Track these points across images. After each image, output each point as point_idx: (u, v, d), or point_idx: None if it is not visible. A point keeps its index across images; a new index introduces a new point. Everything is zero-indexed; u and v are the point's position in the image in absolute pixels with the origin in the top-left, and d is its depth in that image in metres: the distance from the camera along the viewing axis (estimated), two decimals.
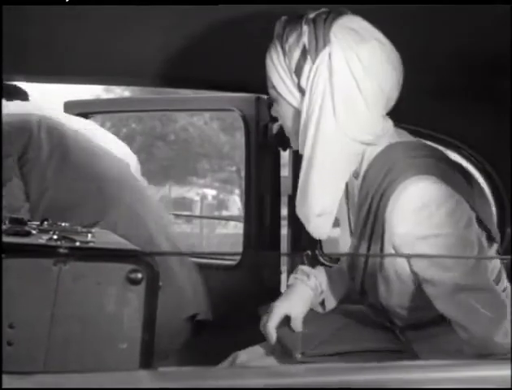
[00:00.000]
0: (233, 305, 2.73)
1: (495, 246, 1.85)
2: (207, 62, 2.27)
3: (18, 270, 1.19)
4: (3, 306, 1.19)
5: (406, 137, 1.81)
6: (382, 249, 1.73)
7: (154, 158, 17.50)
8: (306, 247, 2.68)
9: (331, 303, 2.06)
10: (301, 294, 1.99)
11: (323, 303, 2.06)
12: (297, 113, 1.69)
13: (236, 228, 13.00)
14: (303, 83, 1.64)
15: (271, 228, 2.74)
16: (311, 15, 1.64)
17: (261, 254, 2.73)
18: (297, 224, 2.64)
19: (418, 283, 1.73)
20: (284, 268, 2.79)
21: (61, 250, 1.20)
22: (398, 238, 1.67)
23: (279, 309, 1.94)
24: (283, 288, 2.77)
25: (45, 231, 1.36)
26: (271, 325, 1.92)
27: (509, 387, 0.98)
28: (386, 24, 1.65)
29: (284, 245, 2.79)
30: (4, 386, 0.96)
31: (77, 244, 1.26)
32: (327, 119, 1.63)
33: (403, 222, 1.65)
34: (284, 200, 2.76)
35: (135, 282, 1.23)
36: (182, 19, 1.93)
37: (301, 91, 1.66)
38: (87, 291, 1.22)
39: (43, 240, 1.28)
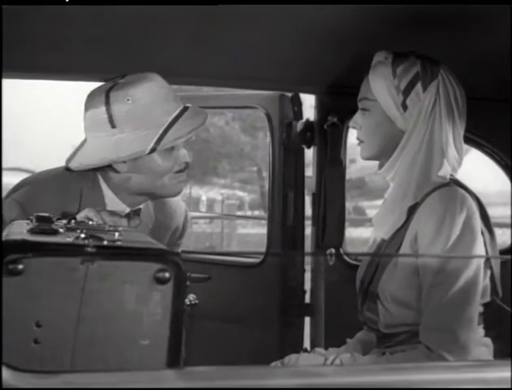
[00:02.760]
0: (255, 304, 2.72)
1: None
2: (230, 60, 2.26)
3: (45, 270, 1.19)
4: (30, 305, 1.19)
5: None
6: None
7: None
8: (330, 246, 2.66)
9: None
10: None
11: None
12: (391, 124, 1.97)
13: (257, 228, 13.00)
14: (409, 102, 1.94)
15: (295, 227, 2.73)
16: (419, 53, 1.98)
17: (285, 253, 2.72)
18: (320, 223, 2.64)
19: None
20: (307, 267, 2.77)
21: (88, 249, 1.20)
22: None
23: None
24: (306, 287, 2.77)
25: (73, 230, 1.36)
26: None
27: (509, 387, 0.98)
28: None
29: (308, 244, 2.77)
30: (4, 386, 0.96)
31: (105, 242, 1.26)
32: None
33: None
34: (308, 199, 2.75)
35: (162, 281, 1.22)
36: (200, 16, 1.92)
37: (404, 107, 1.95)
38: (114, 290, 1.21)
39: (70, 238, 1.28)
